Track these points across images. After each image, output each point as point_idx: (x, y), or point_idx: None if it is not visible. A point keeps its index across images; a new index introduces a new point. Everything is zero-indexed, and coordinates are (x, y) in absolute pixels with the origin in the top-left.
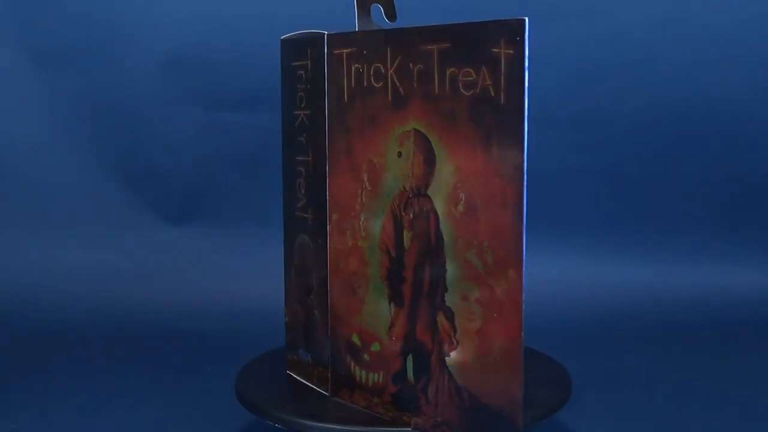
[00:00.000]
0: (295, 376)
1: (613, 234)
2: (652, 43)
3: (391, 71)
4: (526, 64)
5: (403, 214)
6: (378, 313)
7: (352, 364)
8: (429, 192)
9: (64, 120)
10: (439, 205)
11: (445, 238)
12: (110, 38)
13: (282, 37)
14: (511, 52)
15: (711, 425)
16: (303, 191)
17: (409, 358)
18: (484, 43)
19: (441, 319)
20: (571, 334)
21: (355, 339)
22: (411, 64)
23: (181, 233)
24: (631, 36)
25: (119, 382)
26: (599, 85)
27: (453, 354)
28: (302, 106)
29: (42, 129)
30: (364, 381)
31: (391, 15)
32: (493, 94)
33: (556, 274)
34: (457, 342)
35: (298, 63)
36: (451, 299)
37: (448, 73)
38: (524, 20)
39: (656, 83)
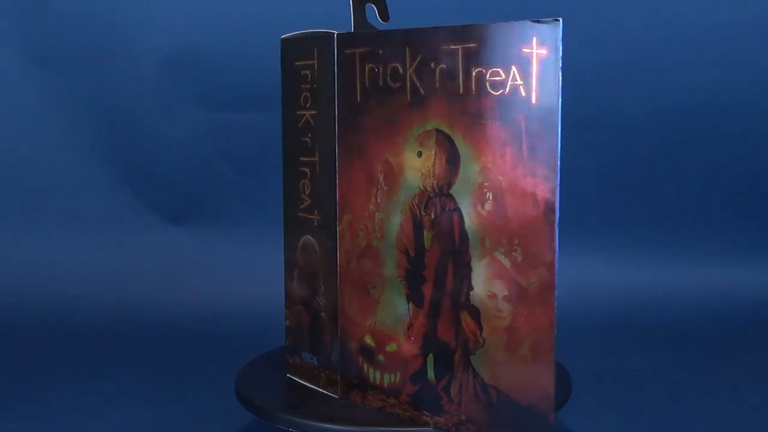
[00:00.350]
0: (297, 379)
1: (613, 234)
2: (652, 43)
3: (410, 71)
4: (560, 64)
5: (423, 213)
6: (395, 314)
7: (365, 365)
8: (452, 191)
9: (64, 120)
10: (464, 205)
11: (471, 237)
12: (110, 38)
13: (283, 37)
14: (544, 52)
15: (711, 425)
16: (308, 192)
17: (430, 357)
18: (515, 43)
19: (465, 317)
20: (571, 334)
21: (369, 340)
22: (432, 64)
23: (181, 233)
24: (631, 36)
25: (119, 382)
26: (599, 85)
27: (478, 352)
28: (307, 106)
29: (42, 129)
30: (378, 382)
31: (384, 15)
32: (524, 94)
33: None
34: (484, 340)
35: (302, 63)
36: (476, 298)
37: (474, 72)
38: (559, 20)
39: (656, 83)
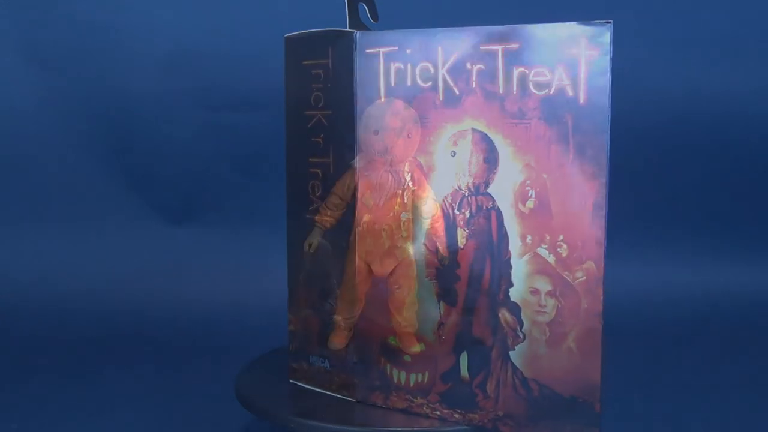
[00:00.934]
0: (303, 385)
1: (615, 234)
2: (652, 43)
3: (443, 71)
4: (610, 65)
5: (457, 212)
6: (423, 313)
7: (388, 366)
8: (490, 190)
9: (64, 120)
10: (504, 203)
11: (511, 234)
12: (111, 39)
13: (287, 35)
14: (594, 53)
15: (712, 425)
16: (318, 194)
17: (463, 355)
18: (562, 44)
19: (504, 314)
20: None
21: (393, 341)
22: (469, 64)
23: (181, 233)
24: (632, 36)
25: (119, 382)
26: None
27: (518, 347)
28: (319, 106)
29: (42, 129)
30: (404, 382)
31: (374, 15)
32: (571, 94)
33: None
34: (524, 335)
35: (312, 62)
36: (517, 294)
37: (516, 72)
38: (610, 23)
39: (658, 84)
